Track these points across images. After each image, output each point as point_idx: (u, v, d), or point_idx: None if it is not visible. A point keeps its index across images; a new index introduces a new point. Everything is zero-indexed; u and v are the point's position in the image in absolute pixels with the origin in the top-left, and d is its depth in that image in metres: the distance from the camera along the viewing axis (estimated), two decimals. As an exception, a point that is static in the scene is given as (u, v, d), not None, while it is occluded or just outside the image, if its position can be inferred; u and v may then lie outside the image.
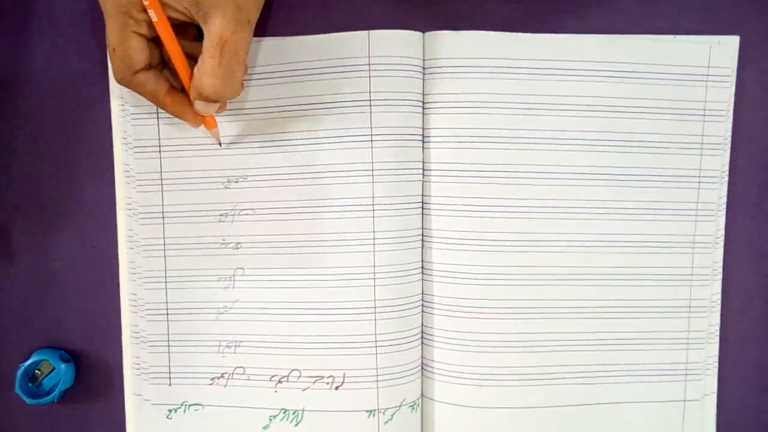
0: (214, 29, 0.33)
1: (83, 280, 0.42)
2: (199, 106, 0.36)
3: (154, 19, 0.34)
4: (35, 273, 0.42)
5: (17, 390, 0.40)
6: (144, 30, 0.34)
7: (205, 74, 0.34)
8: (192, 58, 0.36)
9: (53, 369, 0.41)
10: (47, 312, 0.42)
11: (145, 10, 0.33)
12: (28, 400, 0.41)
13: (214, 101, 0.35)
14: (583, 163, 0.40)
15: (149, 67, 0.36)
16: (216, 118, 0.39)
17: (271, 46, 0.39)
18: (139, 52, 0.35)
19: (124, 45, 0.34)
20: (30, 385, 0.41)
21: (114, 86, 0.41)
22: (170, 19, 0.34)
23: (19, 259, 0.42)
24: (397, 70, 0.38)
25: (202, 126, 0.38)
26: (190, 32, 0.37)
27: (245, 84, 0.39)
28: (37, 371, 0.41)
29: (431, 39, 0.39)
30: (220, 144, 0.40)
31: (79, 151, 0.41)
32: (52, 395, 0.41)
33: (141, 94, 0.36)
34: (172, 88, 0.37)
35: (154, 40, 0.36)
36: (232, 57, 0.33)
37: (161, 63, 0.37)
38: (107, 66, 0.41)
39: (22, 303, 0.42)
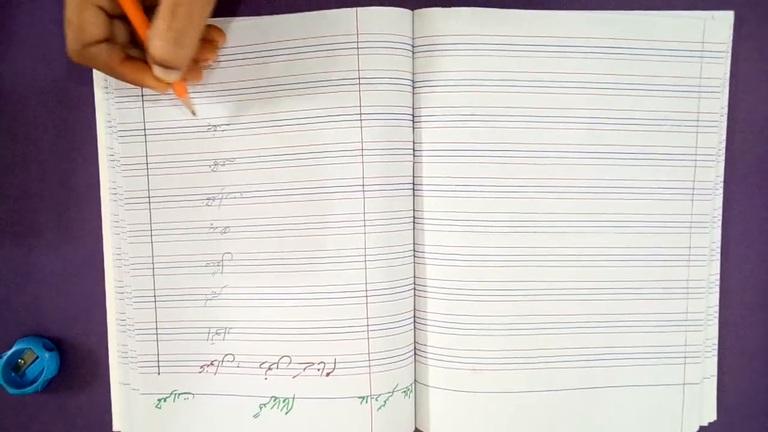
0: None
1: (67, 267, 0.41)
2: (157, 71, 0.34)
3: None
4: (17, 259, 0.41)
5: None
6: (104, 3, 0.33)
7: (155, 36, 0.32)
8: None
9: (37, 358, 0.40)
10: (30, 300, 0.41)
11: None
12: (11, 390, 0.40)
13: (165, 67, 0.34)
14: (576, 142, 0.39)
15: (103, 41, 0.34)
16: (189, 89, 0.38)
17: (259, 24, 0.39)
18: (94, 26, 0.33)
19: (80, 17, 0.33)
20: (13, 374, 0.41)
21: (98, 68, 0.40)
22: None
23: (1, 246, 0.41)
24: (386, 47, 0.38)
25: (183, 106, 0.37)
26: None
27: (233, 63, 0.39)
28: (20, 360, 0.41)
29: (420, 16, 0.38)
30: (193, 113, 0.38)
31: (62, 136, 0.41)
32: (36, 384, 0.40)
33: (96, 67, 0.35)
34: (127, 57, 0.35)
35: (124, 19, 0.35)
36: (185, 21, 0.32)
37: (131, 42, 0.36)
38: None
39: (4, 290, 0.41)
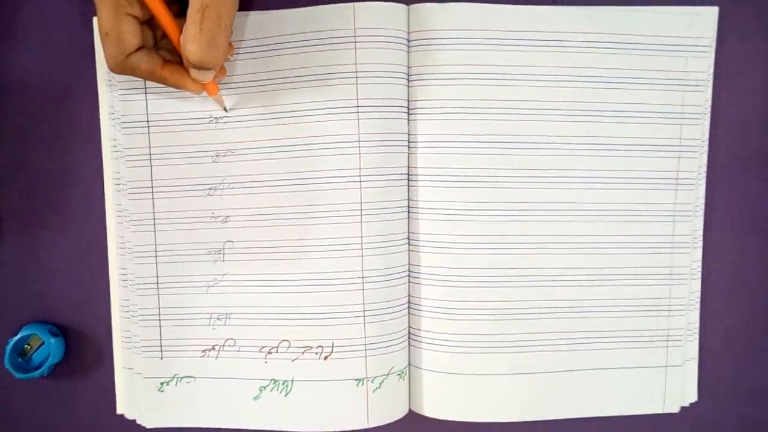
0: None
1: (72, 254, 0.42)
2: (194, 73, 0.36)
3: None
4: (23, 247, 0.42)
5: (6, 365, 0.41)
6: (137, 11, 0.34)
7: (188, 41, 0.34)
8: None
9: (42, 343, 0.41)
10: (36, 286, 0.42)
11: None
12: (17, 375, 0.41)
13: (200, 68, 0.35)
14: (565, 133, 0.40)
15: (140, 48, 0.36)
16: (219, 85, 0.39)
17: (258, 19, 0.40)
18: (132, 35, 0.35)
19: (117, 28, 0.34)
20: (19, 359, 0.41)
21: (100, 61, 0.41)
22: None
23: (7, 234, 0.42)
24: (383, 42, 0.39)
25: (204, 94, 0.38)
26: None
27: (233, 58, 0.40)
28: (26, 346, 0.42)
29: (416, 11, 0.39)
30: (225, 110, 0.40)
31: (66, 128, 0.41)
32: (42, 369, 0.41)
33: (138, 75, 0.36)
34: (167, 61, 0.36)
35: (148, 23, 0.36)
36: (213, 22, 0.33)
37: (155, 45, 0.37)
38: (93, 41, 0.41)
39: (10, 277, 0.42)
